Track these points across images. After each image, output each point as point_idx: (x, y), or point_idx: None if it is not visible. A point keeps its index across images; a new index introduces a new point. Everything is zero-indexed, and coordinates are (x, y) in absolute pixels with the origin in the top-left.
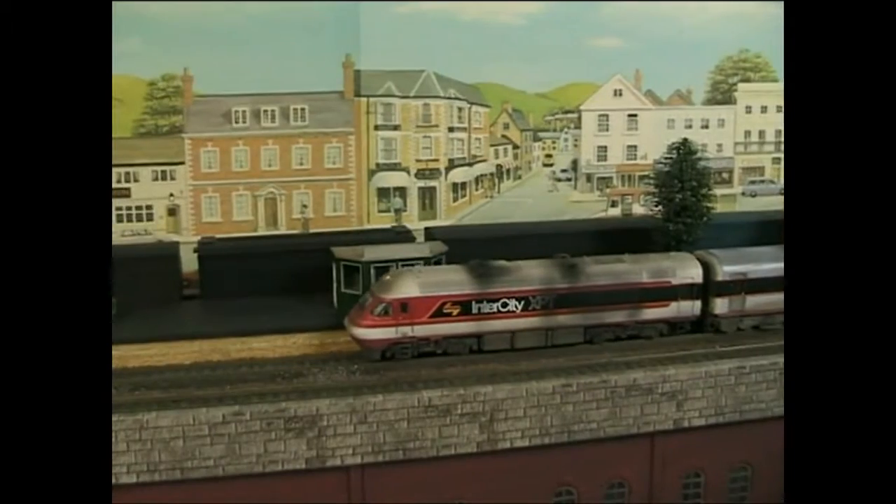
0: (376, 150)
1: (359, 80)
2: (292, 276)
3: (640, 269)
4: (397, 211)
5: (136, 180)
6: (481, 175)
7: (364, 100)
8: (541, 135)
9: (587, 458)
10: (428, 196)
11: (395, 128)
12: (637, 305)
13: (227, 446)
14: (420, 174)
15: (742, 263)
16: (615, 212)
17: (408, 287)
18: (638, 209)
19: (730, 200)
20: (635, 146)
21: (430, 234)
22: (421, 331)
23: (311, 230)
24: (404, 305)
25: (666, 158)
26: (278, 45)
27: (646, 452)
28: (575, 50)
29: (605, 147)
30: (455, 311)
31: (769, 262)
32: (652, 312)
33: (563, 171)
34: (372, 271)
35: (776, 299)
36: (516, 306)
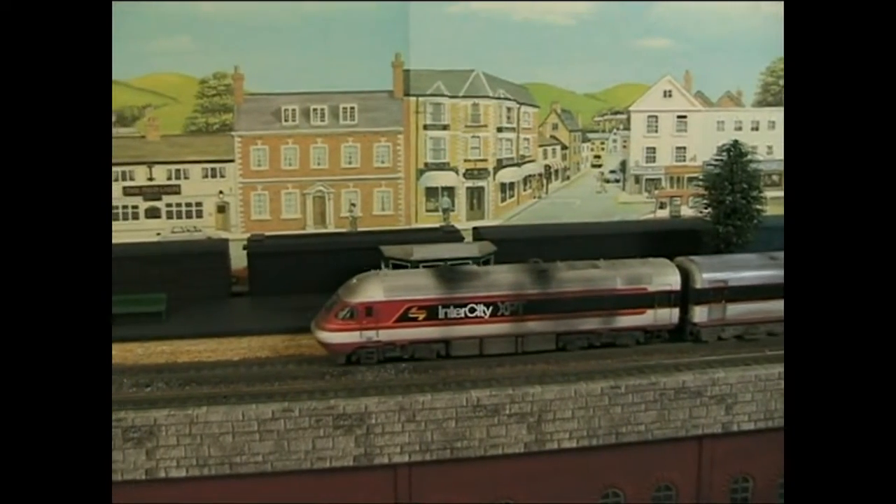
0: (425, 150)
1: (408, 79)
2: (340, 274)
3: (614, 276)
4: (445, 210)
5: (186, 177)
6: (529, 175)
7: (413, 99)
8: (589, 135)
9: (635, 461)
10: (476, 196)
11: (444, 127)
12: (611, 312)
13: (276, 442)
14: (468, 174)
15: (723, 271)
16: (663, 214)
17: (373, 291)
18: (686, 211)
19: (780, 203)
20: (684, 148)
21: (478, 233)
22: (386, 335)
23: (360, 229)
24: (369, 309)
25: (716, 160)
26: (328, 44)
27: (694, 456)
28: (624, 50)
29: (654, 148)
30: (421, 316)
31: (751, 270)
32: (627, 320)
33: (612, 172)
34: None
35: (759, 308)
36: (484, 312)
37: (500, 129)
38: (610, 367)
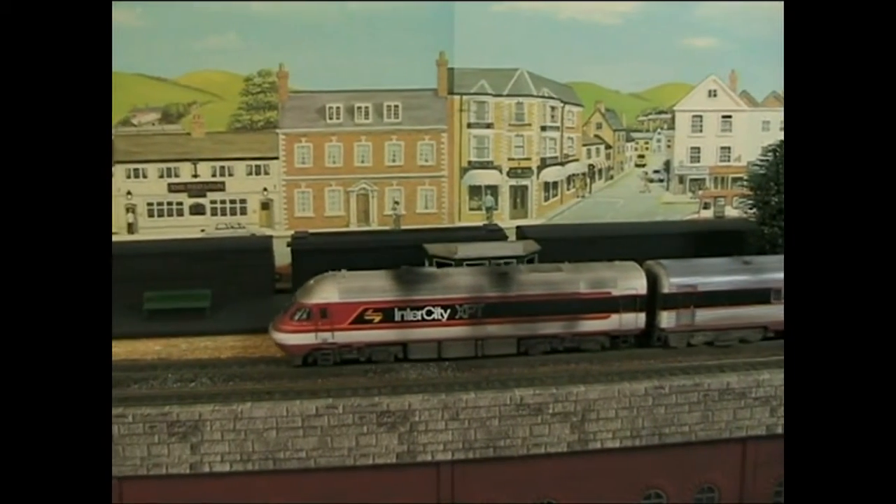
0: (469, 148)
1: (452, 77)
2: None
3: (577, 279)
4: (489, 209)
5: (230, 174)
6: (573, 175)
7: (457, 97)
8: (634, 135)
9: (678, 462)
10: (519, 195)
11: (488, 126)
12: (574, 317)
13: (320, 439)
14: (512, 173)
15: (692, 275)
16: (707, 214)
17: (328, 292)
18: (731, 212)
19: None
20: (729, 148)
21: (521, 232)
22: (342, 337)
23: (403, 227)
24: (324, 311)
25: (761, 161)
26: (373, 42)
27: (737, 458)
28: (670, 50)
29: (699, 148)
30: (377, 318)
31: (722, 275)
32: (591, 324)
33: (656, 171)
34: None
35: (730, 314)
36: (442, 314)
37: (544, 128)
38: (654, 368)
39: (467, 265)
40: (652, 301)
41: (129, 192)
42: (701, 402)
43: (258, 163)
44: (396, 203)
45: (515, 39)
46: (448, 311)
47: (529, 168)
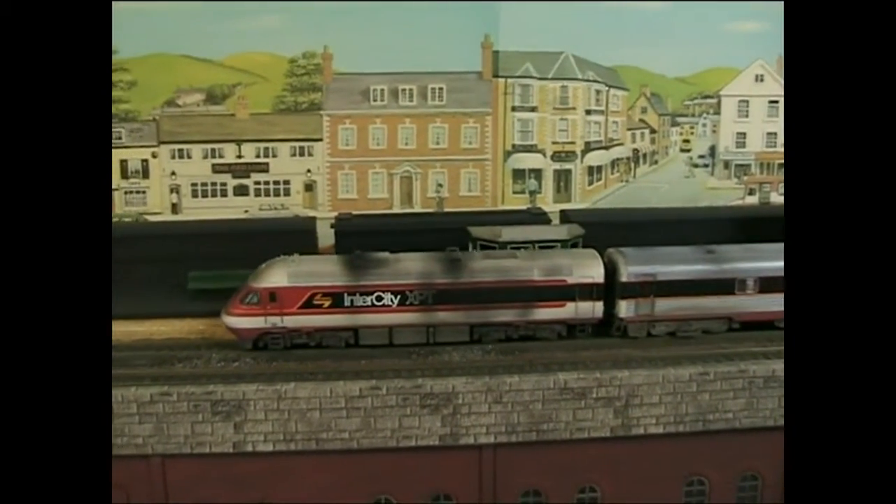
0: (513, 132)
1: (497, 60)
2: None
3: (530, 267)
4: (532, 193)
5: (274, 155)
6: (617, 159)
7: (502, 80)
8: (679, 120)
9: (721, 449)
10: (563, 179)
11: (533, 109)
12: (528, 305)
13: (363, 420)
14: (556, 156)
15: (651, 264)
16: (752, 200)
17: (277, 276)
18: (776, 198)
19: None
20: (776, 133)
21: (565, 216)
22: (291, 321)
23: (446, 209)
24: (273, 295)
25: None
26: (418, 24)
27: (781, 446)
28: (716, 34)
29: (745, 134)
30: (326, 303)
31: (684, 264)
32: (546, 312)
33: (701, 157)
34: None
35: (691, 304)
36: (392, 300)
37: (588, 112)
38: (698, 354)
39: (512, 248)
40: (611, 290)
41: (173, 173)
42: (745, 389)
43: (302, 144)
44: (440, 186)
45: (561, 22)
46: (398, 297)
47: (573, 152)
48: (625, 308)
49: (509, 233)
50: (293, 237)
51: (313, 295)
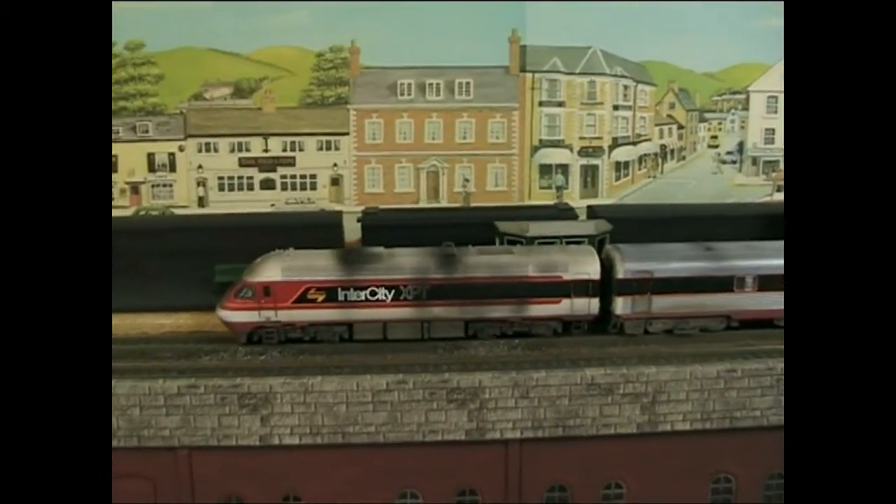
0: (540, 127)
1: (524, 55)
2: None
3: (525, 263)
4: (559, 188)
5: (301, 149)
6: (645, 155)
7: (529, 75)
8: (707, 115)
9: (748, 447)
10: (590, 174)
11: (560, 104)
12: (523, 301)
13: (390, 414)
14: (583, 152)
15: (648, 261)
16: (781, 197)
17: (270, 271)
18: None
19: None
20: None
21: (592, 212)
22: (285, 316)
23: (473, 204)
24: (267, 289)
25: None
26: (445, 18)
27: None
28: (744, 29)
29: (773, 130)
30: (320, 298)
31: (681, 262)
32: (541, 309)
33: (729, 153)
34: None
35: (689, 302)
36: (386, 295)
37: (616, 107)
38: (726, 351)
39: (539, 244)
40: (607, 287)
41: (200, 166)
42: (773, 387)
43: (329, 138)
44: (466, 180)
45: (588, 17)
46: (392, 291)
47: (601, 147)
48: (621, 305)
49: (536, 228)
50: (319, 231)
51: (307, 289)
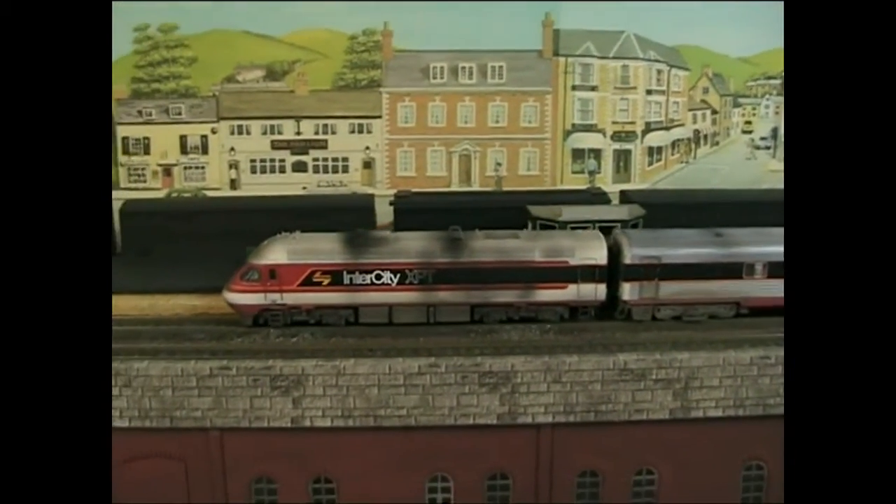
0: (573, 111)
1: (558, 39)
2: None
3: (531, 248)
4: (591, 173)
5: (333, 132)
6: (678, 140)
7: (562, 59)
8: (741, 101)
9: (780, 434)
10: (622, 159)
11: (593, 88)
12: (529, 286)
13: (421, 397)
14: (616, 136)
15: (656, 246)
16: None
17: (276, 253)
18: None
19: None
20: None
21: (626, 196)
22: (290, 299)
23: (505, 188)
24: (273, 272)
25: None
26: (478, 2)
27: None
28: (780, 13)
29: None
30: (325, 281)
31: (690, 248)
32: (547, 294)
33: (763, 138)
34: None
35: (698, 288)
36: (391, 279)
37: (649, 92)
38: (760, 337)
39: (572, 228)
40: (614, 272)
41: (232, 149)
42: None
43: (361, 121)
44: (499, 164)
45: (622, 1)
46: (398, 275)
47: (634, 132)
48: (628, 291)
49: (570, 212)
50: (351, 214)
51: (313, 272)
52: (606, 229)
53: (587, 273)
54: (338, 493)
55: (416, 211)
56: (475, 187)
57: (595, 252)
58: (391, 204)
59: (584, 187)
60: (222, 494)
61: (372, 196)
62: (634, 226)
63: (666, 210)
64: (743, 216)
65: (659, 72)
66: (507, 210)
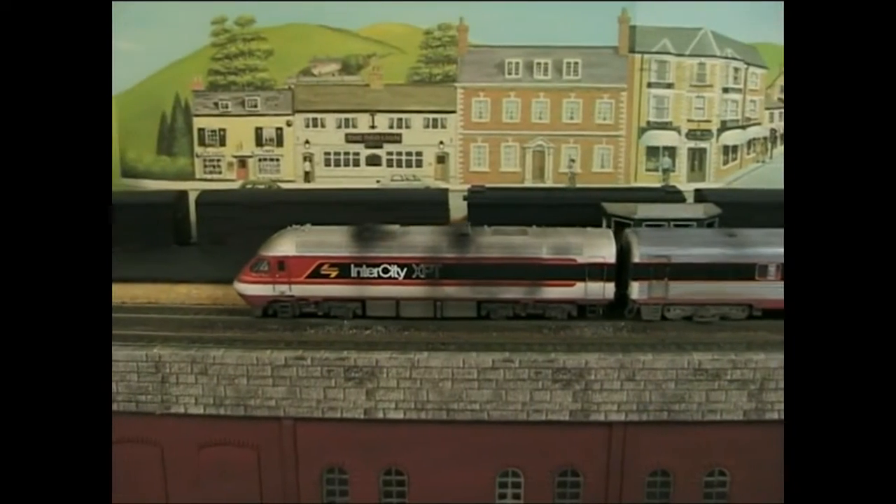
0: (648, 108)
1: (634, 35)
2: None
3: (539, 244)
4: (665, 170)
5: (407, 127)
6: (754, 138)
7: (638, 56)
8: None
9: None
10: (697, 157)
11: (669, 86)
12: (536, 283)
13: (494, 392)
14: (691, 134)
15: (666, 245)
16: None
17: (285, 245)
18: None
19: None
20: None
21: (700, 195)
22: (299, 290)
23: (578, 185)
24: (281, 264)
25: None
26: None
27: None
28: None
29: None
30: (333, 273)
31: (701, 247)
32: (554, 291)
33: None
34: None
35: (708, 288)
36: (398, 273)
37: (725, 90)
38: None
39: (647, 226)
40: (624, 270)
41: (307, 141)
42: None
43: (435, 116)
44: (572, 161)
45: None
46: (405, 269)
47: (709, 130)
48: (637, 290)
49: (644, 210)
50: (425, 208)
51: (321, 265)
52: (619, 228)
53: (595, 271)
54: (408, 486)
55: (489, 206)
56: (548, 183)
57: (603, 250)
58: (465, 199)
59: (658, 185)
60: (294, 483)
61: (445, 191)
62: (710, 225)
63: (741, 209)
64: None
65: (736, 69)
66: (580, 207)
